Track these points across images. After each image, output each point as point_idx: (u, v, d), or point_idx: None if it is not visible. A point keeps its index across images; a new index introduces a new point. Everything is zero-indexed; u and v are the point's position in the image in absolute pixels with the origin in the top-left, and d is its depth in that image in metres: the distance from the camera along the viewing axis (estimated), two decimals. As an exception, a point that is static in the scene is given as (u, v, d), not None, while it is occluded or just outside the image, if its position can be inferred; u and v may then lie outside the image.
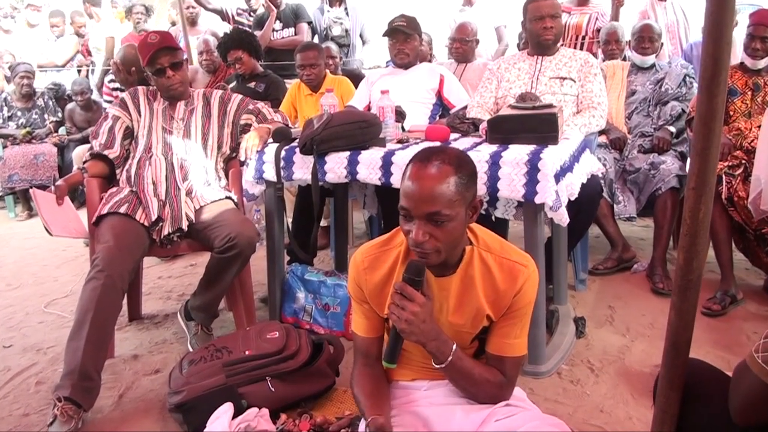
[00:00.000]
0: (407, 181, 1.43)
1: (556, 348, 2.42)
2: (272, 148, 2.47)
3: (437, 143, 2.47)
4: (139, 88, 2.77)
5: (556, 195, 2.07)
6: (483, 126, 2.54)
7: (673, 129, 3.49)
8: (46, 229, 2.33)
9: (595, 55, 4.76)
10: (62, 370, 2.07)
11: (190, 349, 2.50)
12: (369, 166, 2.29)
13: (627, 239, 3.45)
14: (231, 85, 4.29)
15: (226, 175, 2.72)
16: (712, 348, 2.47)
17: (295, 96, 3.89)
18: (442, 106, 3.46)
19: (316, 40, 5.58)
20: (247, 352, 2.03)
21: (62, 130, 5.50)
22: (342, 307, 2.58)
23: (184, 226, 2.39)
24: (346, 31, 5.54)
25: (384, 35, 3.47)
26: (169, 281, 3.43)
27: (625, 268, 3.34)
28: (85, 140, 5.43)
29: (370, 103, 3.49)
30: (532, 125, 2.25)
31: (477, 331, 1.60)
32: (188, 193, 2.50)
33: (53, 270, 3.75)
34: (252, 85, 4.22)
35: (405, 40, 3.40)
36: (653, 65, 3.67)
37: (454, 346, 1.53)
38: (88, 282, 2.16)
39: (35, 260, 3.92)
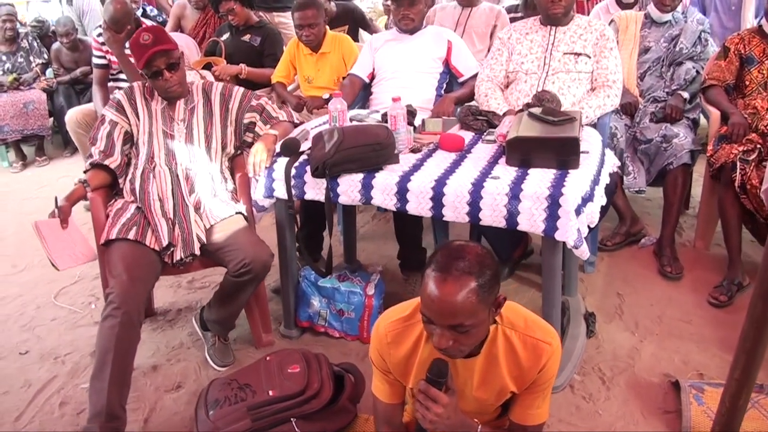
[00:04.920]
0: (427, 292, 1.40)
1: (568, 356, 2.45)
2: (282, 163, 2.39)
3: (452, 154, 2.39)
4: (135, 85, 2.63)
5: (578, 233, 2.04)
6: (499, 132, 2.45)
7: (686, 95, 3.37)
8: (52, 264, 2.28)
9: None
10: (88, 410, 2.10)
11: (209, 360, 2.55)
12: (384, 191, 2.23)
13: (632, 205, 3.43)
14: (224, 38, 4.07)
15: (232, 175, 2.65)
16: (719, 350, 2.51)
17: (293, 55, 3.71)
18: (449, 74, 3.31)
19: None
20: (270, 393, 2.06)
21: (49, 73, 5.26)
22: (356, 312, 2.60)
23: (197, 250, 2.34)
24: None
25: (388, -1, 3.27)
26: (177, 265, 3.42)
27: (633, 241, 3.34)
28: (74, 82, 5.23)
29: (374, 70, 3.34)
30: (553, 148, 2.17)
31: (500, 403, 1.66)
32: (197, 209, 2.44)
33: (57, 244, 3.71)
34: (247, 38, 4.01)
35: (410, 5, 3.20)
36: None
37: (480, 428, 1.59)
38: (105, 319, 2.14)
39: (37, 231, 3.86)
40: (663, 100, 3.39)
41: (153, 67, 2.46)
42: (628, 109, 3.40)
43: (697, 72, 3.40)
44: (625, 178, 3.27)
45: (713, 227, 3.25)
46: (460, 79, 3.27)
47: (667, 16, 3.48)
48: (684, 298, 2.87)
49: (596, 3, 4.41)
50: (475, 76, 3.17)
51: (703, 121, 3.50)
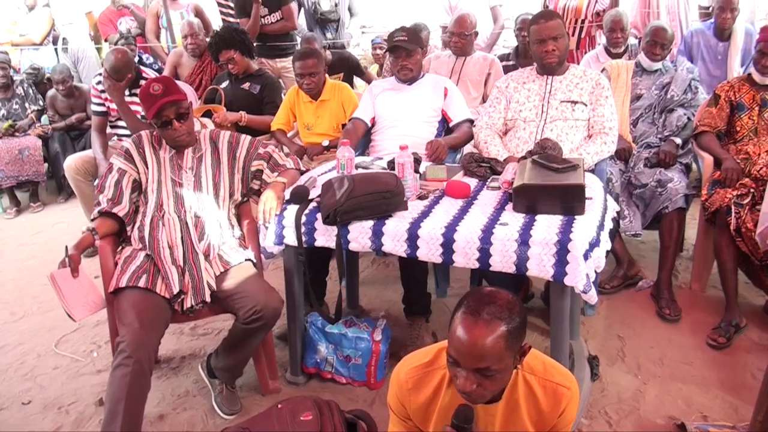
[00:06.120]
0: (456, 333, 1.44)
1: (575, 399, 2.48)
2: (291, 210, 2.42)
3: (459, 201, 2.44)
4: (143, 134, 2.66)
5: (587, 279, 2.08)
6: (504, 179, 2.51)
7: (678, 141, 3.47)
8: (69, 315, 2.28)
9: (594, 38, 4.70)
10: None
11: (216, 408, 2.53)
12: (394, 238, 2.27)
13: (628, 247, 3.49)
14: (223, 86, 4.14)
15: (239, 222, 2.67)
16: (720, 391, 2.55)
17: (293, 102, 3.78)
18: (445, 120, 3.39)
19: (303, 18, 5.39)
20: (284, 441, 2.05)
21: (44, 119, 5.30)
22: (363, 359, 2.61)
23: (207, 298, 2.35)
24: (336, 5, 5.34)
25: (385, 52, 3.35)
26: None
27: (630, 284, 3.40)
28: (70, 128, 5.26)
29: (374, 117, 3.41)
30: (559, 195, 2.23)
31: None
32: (206, 256, 2.45)
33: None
34: (246, 86, 4.08)
35: (408, 56, 3.28)
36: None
37: None
38: (117, 368, 2.14)
39: (34, 277, 3.84)
40: (656, 146, 3.49)
41: (163, 117, 2.50)
42: (622, 154, 3.49)
43: (689, 118, 3.52)
44: (621, 222, 3.34)
45: (709, 269, 3.32)
46: (450, 124, 3.33)
47: (657, 65, 3.61)
48: (683, 340, 2.92)
49: (585, 52, 4.56)
50: (463, 122, 3.26)
51: (694, 165, 3.60)
